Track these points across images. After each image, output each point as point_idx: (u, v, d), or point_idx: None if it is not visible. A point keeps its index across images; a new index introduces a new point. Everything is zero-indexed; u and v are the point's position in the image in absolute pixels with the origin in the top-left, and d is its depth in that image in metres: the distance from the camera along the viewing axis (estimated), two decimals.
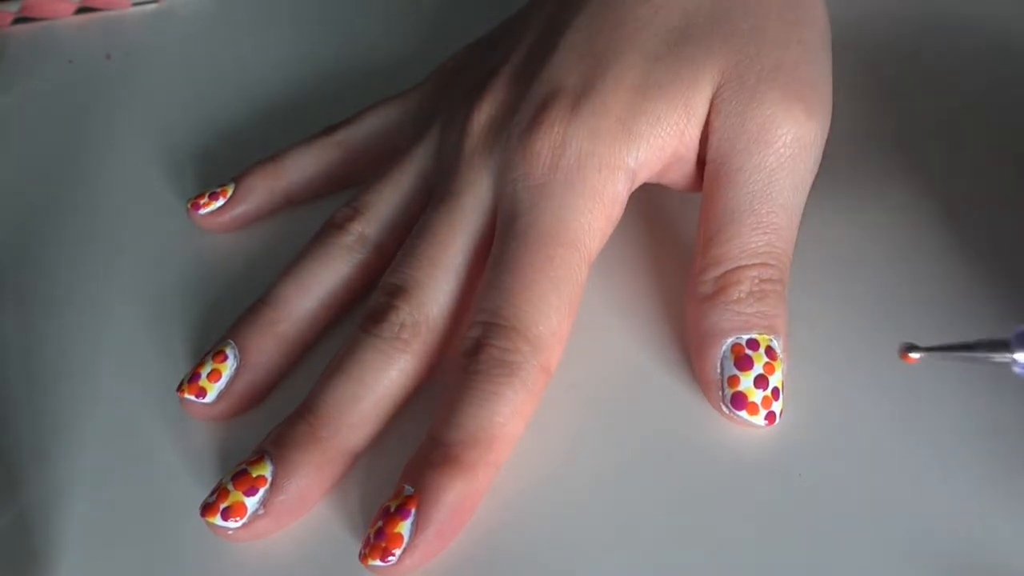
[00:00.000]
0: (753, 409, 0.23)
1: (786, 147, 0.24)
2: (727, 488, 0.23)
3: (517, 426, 0.23)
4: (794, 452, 0.23)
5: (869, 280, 0.26)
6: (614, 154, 0.24)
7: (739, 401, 0.23)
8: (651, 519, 0.23)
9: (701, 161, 0.25)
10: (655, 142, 0.24)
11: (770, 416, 0.23)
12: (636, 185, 0.25)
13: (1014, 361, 0.19)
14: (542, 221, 0.24)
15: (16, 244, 0.31)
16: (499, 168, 0.25)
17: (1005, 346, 0.19)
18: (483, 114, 0.26)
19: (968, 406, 0.24)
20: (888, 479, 0.23)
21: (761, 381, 0.23)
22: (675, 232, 0.28)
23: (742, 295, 0.24)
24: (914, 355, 0.20)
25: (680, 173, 0.26)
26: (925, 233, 0.27)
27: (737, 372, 0.23)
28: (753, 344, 0.24)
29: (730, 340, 0.24)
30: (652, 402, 0.25)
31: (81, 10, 0.39)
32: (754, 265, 0.24)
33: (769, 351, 0.24)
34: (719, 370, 0.24)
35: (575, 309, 0.24)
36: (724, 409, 0.24)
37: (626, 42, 0.25)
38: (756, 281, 0.24)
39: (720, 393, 0.24)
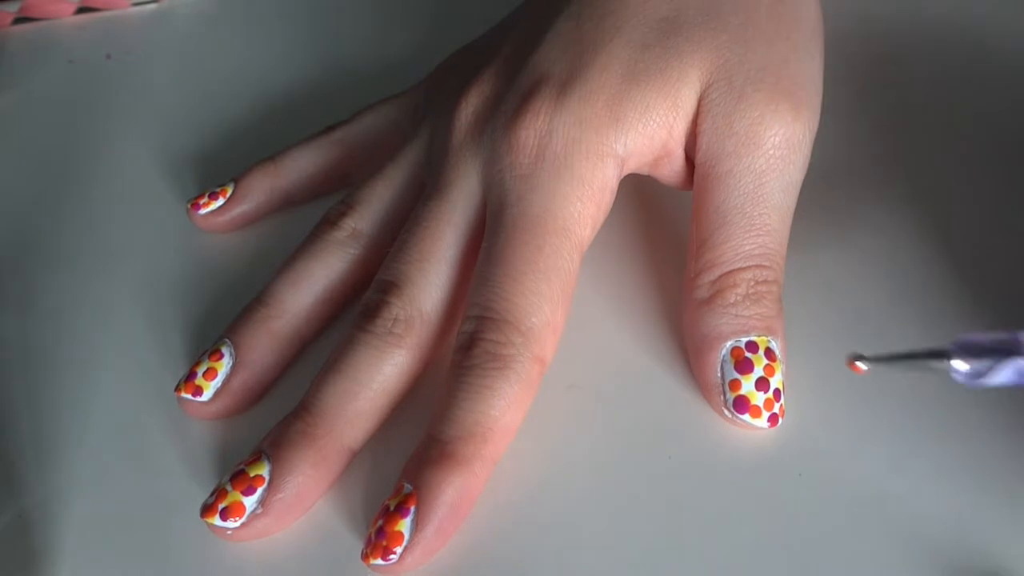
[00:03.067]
0: (756, 412, 0.23)
1: (775, 148, 0.24)
2: (727, 488, 0.23)
3: (513, 418, 0.23)
4: (794, 452, 0.23)
5: (868, 279, 0.26)
6: (601, 141, 0.24)
7: (741, 404, 0.23)
8: (650, 518, 0.23)
9: (690, 160, 0.25)
10: (643, 130, 0.24)
11: (772, 418, 0.23)
12: (625, 173, 0.25)
13: (951, 368, 0.19)
14: (530, 211, 0.24)
15: (16, 244, 0.31)
16: (486, 159, 0.25)
17: (944, 355, 0.19)
18: (469, 107, 0.26)
19: (968, 406, 0.24)
20: (888, 479, 0.23)
21: (762, 383, 0.23)
22: (674, 230, 0.28)
23: (739, 298, 0.24)
24: (861, 364, 0.21)
25: (670, 168, 0.26)
26: (925, 233, 0.27)
27: (738, 375, 0.23)
28: (752, 347, 0.23)
29: (729, 343, 0.24)
30: (651, 402, 0.25)
31: (81, 10, 0.39)
32: (749, 267, 0.24)
33: (768, 353, 0.24)
34: (719, 374, 0.24)
35: (569, 298, 0.24)
36: (727, 413, 0.24)
37: (613, 31, 0.24)
38: (752, 283, 0.24)
39: (722, 397, 0.24)
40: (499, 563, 0.22)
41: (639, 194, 0.29)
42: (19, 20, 0.38)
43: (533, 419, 0.24)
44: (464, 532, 0.23)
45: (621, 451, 0.24)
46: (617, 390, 0.25)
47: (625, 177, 0.25)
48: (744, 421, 0.23)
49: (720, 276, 0.24)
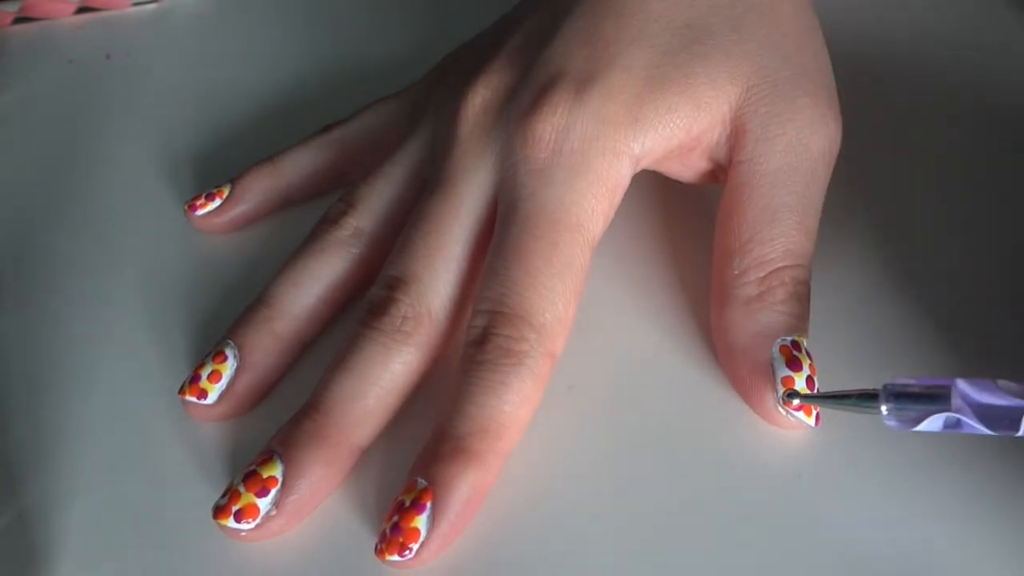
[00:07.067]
0: (808, 410, 0.23)
1: (820, 152, 0.24)
2: (728, 488, 0.23)
3: (526, 413, 0.23)
4: (795, 453, 0.23)
5: (870, 280, 0.27)
6: (619, 139, 0.24)
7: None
8: (652, 519, 0.23)
9: (712, 159, 0.25)
10: (662, 131, 0.24)
11: (818, 417, 0.23)
12: (637, 170, 0.25)
13: (881, 413, 0.20)
14: (545, 206, 0.23)
15: (15, 244, 0.30)
16: (498, 152, 0.25)
17: (873, 398, 0.20)
18: (477, 97, 0.25)
19: None
20: (889, 480, 0.23)
21: (810, 382, 0.23)
22: (681, 230, 0.28)
23: (787, 296, 0.24)
24: (795, 402, 0.22)
25: (680, 164, 0.26)
26: (927, 238, 0.27)
27: (791, 373, 0.23)
28: (796, 345, 0.23)
29: (779, 341, 0.24)
30: (652, 402, 0.25)
31: (81, 10, 0.38)
32: (793, 266, 0.24)
33: (808, 353, 0.24)
34: (772, 371, 0.23)
35: (579, 294, 0.24)
36: (781, 411, 0.23)
37: (636, 32, 0.24)
38: (795, 283, 0.24)
39: (776, 395, 0.23)
40: (499, 562, 0.22)
41: (647, 192, 0.29)
42: (19, 20, 0.38)
43: (533, 419, 0.24)
44: (465, 531, 0.22)
45: (621, 451, 0.24)
46: (617, 390, 0.25)
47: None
48: (798, 419, 0.23)
49: (768, 274, 0.24)
